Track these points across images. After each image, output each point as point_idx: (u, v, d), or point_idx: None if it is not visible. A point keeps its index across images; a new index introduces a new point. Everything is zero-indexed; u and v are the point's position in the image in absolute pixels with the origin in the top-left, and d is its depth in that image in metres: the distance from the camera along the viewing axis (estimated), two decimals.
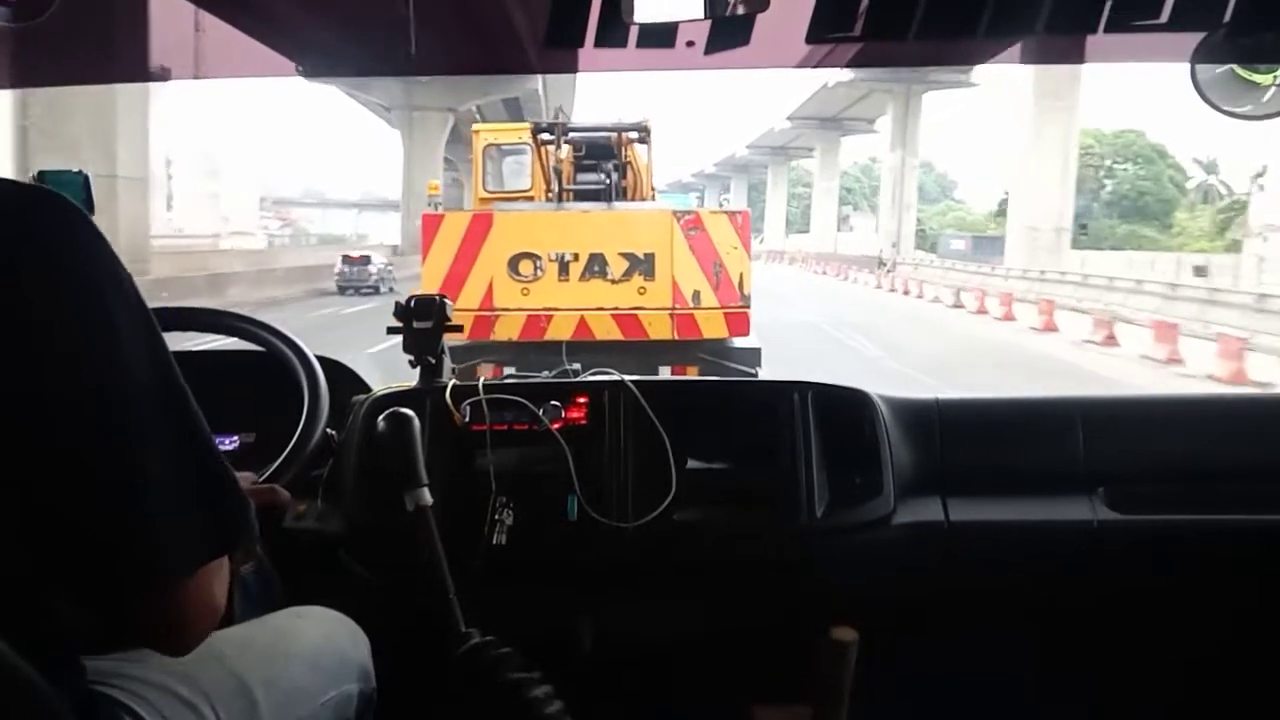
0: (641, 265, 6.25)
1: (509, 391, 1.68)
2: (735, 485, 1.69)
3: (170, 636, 0.82)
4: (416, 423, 1.49)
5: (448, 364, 1.75)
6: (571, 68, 1.78)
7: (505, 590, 1.56)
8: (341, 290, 23.43)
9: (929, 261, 39.52)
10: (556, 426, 1.66)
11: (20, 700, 0.66)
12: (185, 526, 0.77)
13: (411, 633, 1.38)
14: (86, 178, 1.43)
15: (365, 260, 24.66)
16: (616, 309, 6.27)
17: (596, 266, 6.24)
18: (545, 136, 7.50)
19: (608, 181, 7.45)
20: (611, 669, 1.67)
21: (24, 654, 0.66)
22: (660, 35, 1.44)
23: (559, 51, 1.65)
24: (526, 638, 1.34)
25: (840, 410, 1.71)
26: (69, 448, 0.73)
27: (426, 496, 1.42)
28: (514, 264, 6.23)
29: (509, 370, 5.99)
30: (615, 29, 1.40)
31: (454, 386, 1.68)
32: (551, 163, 7.55)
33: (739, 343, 6.48)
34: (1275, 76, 1.56)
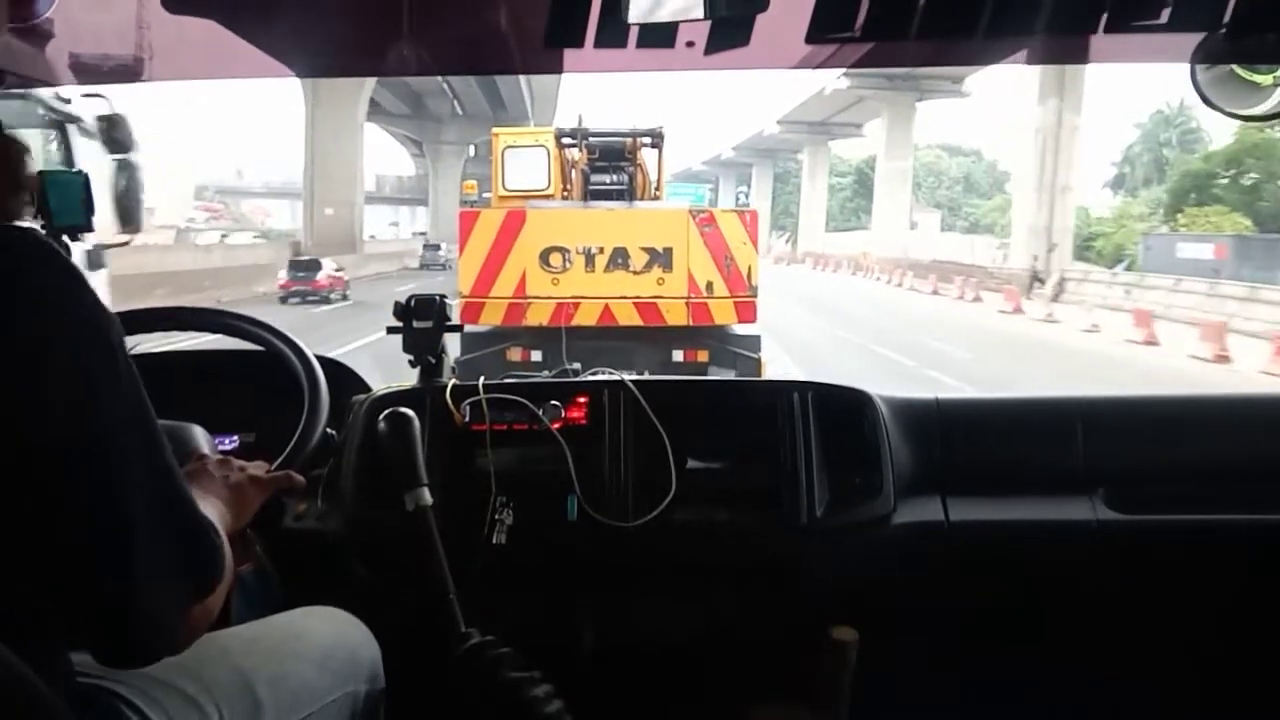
0: (660, 258, 6.85)
1: (509, 391, 1.68)
2: (735, 485, 1.69)
3: (158, 649, 0.84)
4: (416, 422, 1.49)
5: (448, 363, 1.75)
6: (570, 68, 1.78)
7: (505, 590, 1.56)
8: (422, 267, 32.43)
9: (1139, 282, 22.78)
10: (556, 426, 1.66)
11: (14, 697, 0.66)
12: (167, 592, 0.79)
13: (411, 632, 1.38)
14: (87, 177, 1.43)
15: (436, 247, 33.06)
16: (638, 297, 6.87)
17: (620, 259, 6.85)
18: (568, 140, 8.11)
19: (626, 182, 8.05)
20: (611, 669, 1.66)
21: (15, 651, 0.66)
22: (660, 35, 1.44)
23: (558, 51, 1.64)
24: (526, 637, 1.34)
25: (840, 410, 1.71)
26: (50, 497, 0.73)
27: (426, 496, 1.42)
28: (545, 256, 6.84)
29: (536, 355, 6.70)
30: (615, 29, 1.40)
31: (454, 386, 1.68)
32: (570, 164, 8.17)
33: (742, 330, 7.16)
34: (1275, 77, 1.56)
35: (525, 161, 8.15)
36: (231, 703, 0.98)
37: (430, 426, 1.61)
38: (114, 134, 4.45)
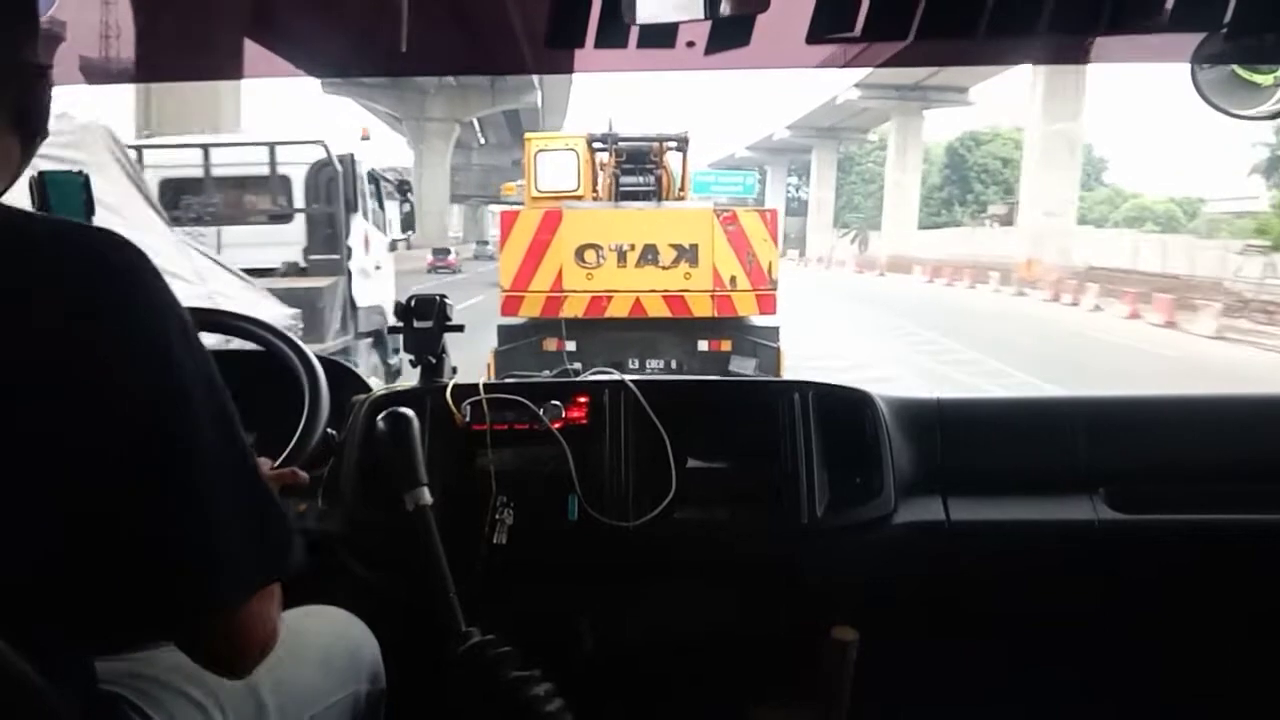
0: (687, 254, 7.32)
1: (509, 391, 1.69)
2: (735, 485, 1.69)
3: (229, 660, 0.85)
4: (416, 422, 1.49)
5: (448, 363, 1.75)
6: (571, 68, 1.78)
7: (505, 590, 1.56)
8: (475, 257, 39.47)
9: None
10: (557, 426, 1.66)
11: (20, 701, 0.66)
12: (241, 555, 0.79)
13: (412, 632, 1.38)
14: (87, 178, 1.43)
15: (485, 242, 39.91)
16: (666, 291, 7.34)
17: (649, 255, 7.34)
18: (599, 145, 8.69)
19: (654, 183, 8.59)
20: (612, 668, 1.67)
21: (30, 656, 0.66)
22: (660, 35, 1.44)
23: (559, 51, 1.64)
24: (527, 637, 1.34)
25: (841, 410, 1.71)
26: (135, 481, 0.74)
27: (426, 496, 1.42)
28: (580, 253, 7.34)
29: (570, 345, 7.14)
30: (616, 29, 1.40)
31: (454, 386, 1.68)
32: (598, 166, 8.76)
33: (762, 321, 7.58)
34: (1275, 77, 1.56)
35: (556, 164, 8.62)
36: (237, 707, 0.98)
37: (430, 426, 1.61)
38: (402, 185, 8.85)
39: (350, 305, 7.50)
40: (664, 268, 7.31)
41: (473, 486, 1.62)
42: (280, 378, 1.49)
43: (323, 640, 1.17)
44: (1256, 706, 1.78)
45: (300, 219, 7.60)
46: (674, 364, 7.38)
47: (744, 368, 7.23)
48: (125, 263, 0.76)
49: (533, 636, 1.35)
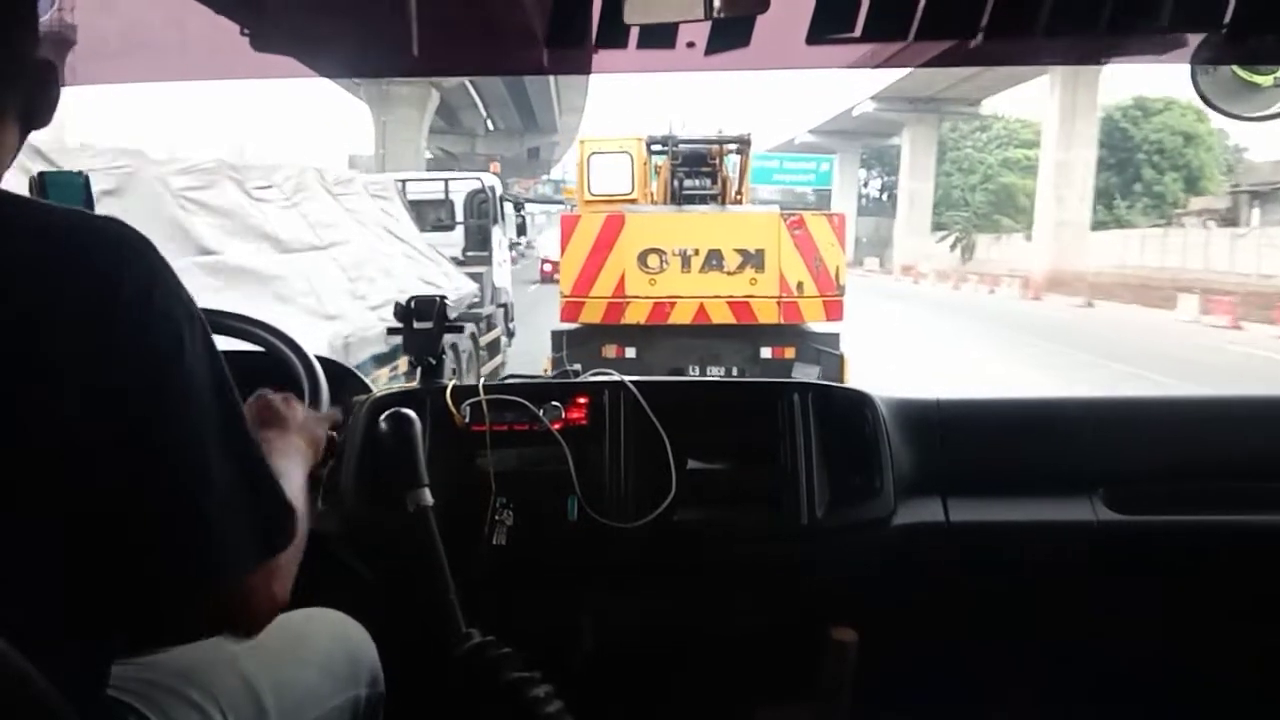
0: (753, 259, 7.20)
1: (509, 392, 1.69)
2: (735, 485, 1.69)
3: (234, 623, 0.86)
4: (417, 423, 1.49)
5: (448, 364, 1.75)
6: (570, 69, 1.78)
7: (505, 591, 1.56)
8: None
9: None
10: (556, 427, 1.66)
11: (21, 703, 0.66)
12: (235, 544, 0.80)
13: (411, 633, 1.38)
14: (87, 179, 1.43)
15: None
16: (731, 297, 7.23)
17: (714, 260, 7.22)
18: (657, 148, 8.55)
19: (717, 187, 8.50)
20: (612, 669, 1.67)
21: (33, 657, 0.66)
22: (660, 36, 1.44)
23: (559, 51, 1.64)
24: (527, 638, 1.34)
25: (840, 410, 1.71)
26: (135, 471, 0.75)
27: (427, 497, 1.42)
28: (643, 258, 7.24)
29: (630, 351, 7.17)
30: (616, 30, 1.40)
31: (454, 387, 1.68)
32: (654, 169, 8.70)
33: (823, 328, 7.47)
34: (1275, 77, 1.56)
35: (610, 167, 8.52)
36: (238, 709, 0.98)
37: (431, 427, 1.61)
38: (517, 203, 12.96)
39: (492, 286, 10.57)
40: (729, 273, 7.16)
41: (472, 488, 1.62)
42: (280, 378, 1.49)
43: (323, 644, 1.17)
44: (1257, 706, 1.78)
45: (460, 228, 11.04)
46: (735, 370, 7.21)
47: (807, 375, 6.97)
48: (145, 258, 0.78)
49: (533, 637, 1.35)
